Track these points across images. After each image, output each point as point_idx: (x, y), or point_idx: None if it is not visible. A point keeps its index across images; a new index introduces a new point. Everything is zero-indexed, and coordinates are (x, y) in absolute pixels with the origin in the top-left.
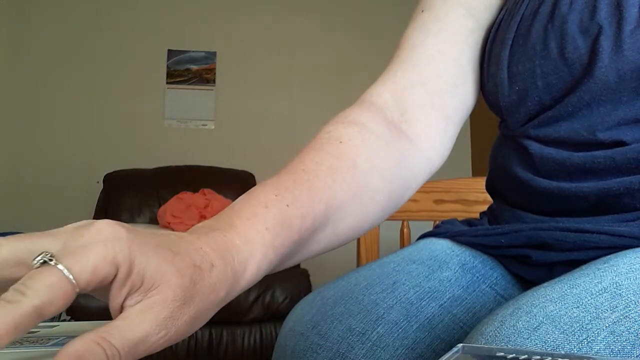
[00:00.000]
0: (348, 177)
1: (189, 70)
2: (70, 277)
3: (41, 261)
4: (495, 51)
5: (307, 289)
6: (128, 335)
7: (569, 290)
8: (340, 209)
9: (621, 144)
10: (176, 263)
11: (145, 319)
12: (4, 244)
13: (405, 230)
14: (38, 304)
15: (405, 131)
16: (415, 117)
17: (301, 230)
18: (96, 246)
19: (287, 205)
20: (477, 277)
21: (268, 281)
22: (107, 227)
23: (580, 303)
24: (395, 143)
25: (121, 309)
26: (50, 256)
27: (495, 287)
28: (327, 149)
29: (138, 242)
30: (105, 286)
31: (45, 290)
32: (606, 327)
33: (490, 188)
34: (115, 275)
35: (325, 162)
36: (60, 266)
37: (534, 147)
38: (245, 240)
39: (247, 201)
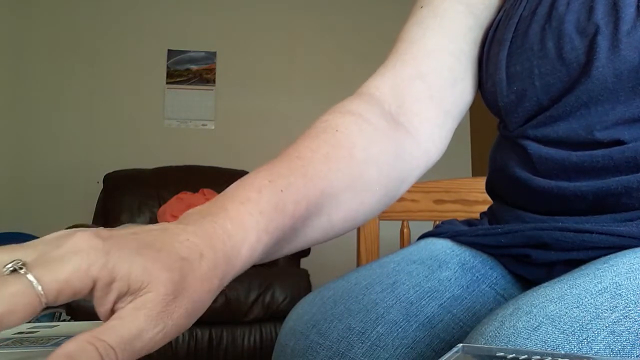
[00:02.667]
0: (344, 166)
1: (189, 70)
2: (39, 287)
3: (11, 269)
4: (493, 51)
5: (307, 289)
6: (122, 332)
7: (568, 290)
8: (335, 197)
9: (619, 143)
10: (162, 259)
11: (138, 316)
12: None
13: (405, 230)
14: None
15: (403, 124)
16: (413, 110)
17: (295, 215)
18: (70, 258)
19: (281, 191)
20: (477, 277)
21: (268, 281)
22: (83, 239)
23: (580, 303)
24: (392, 135)
25: (111, 313)
26: (22, 264)
27: (495, 287)
28: (323, 137)
29: (117, 248)
30: (85, 296)
31: (8, 298)
32: (606, 327)
33: (489, 189)
34: (94, 288)
35: (321, 150)
36: (29, 276)
37: (533, 147)
38: (239, 224)
39: (241, 186)
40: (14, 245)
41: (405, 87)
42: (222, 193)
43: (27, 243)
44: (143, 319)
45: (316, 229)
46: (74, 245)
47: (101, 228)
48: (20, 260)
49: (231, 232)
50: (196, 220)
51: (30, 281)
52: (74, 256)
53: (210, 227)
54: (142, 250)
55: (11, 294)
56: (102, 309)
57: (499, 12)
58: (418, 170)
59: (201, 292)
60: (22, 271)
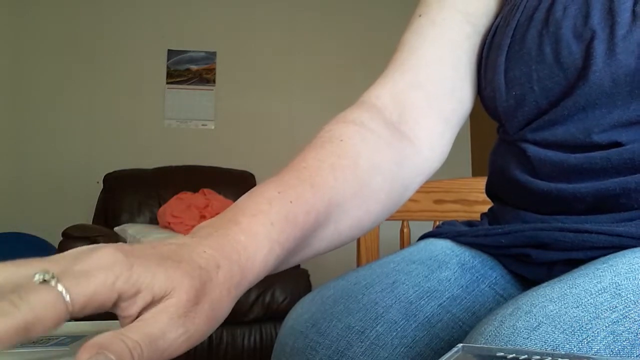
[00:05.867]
0: (350, 175)
1: (189, 70)
2: (67, 298)
3: (41, 279)
4: (491, 57)
5: (307, 289)
6: (146, 330)
7: (568, 290)
8: (342, 206)
9: (617, 145)
10: (183, 268)
11: (161, 317)
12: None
13: (405, 230)
14: (29, 319)
15: (404, 132)
16: (413, 119)
17: (305, 226)
18: (97, 272)
19: (291, 202)
20: (477, 277)
21: (268, 281)
22: (107, 254)
23: (580, 303)
24: (395, 143)
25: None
26: (52, 276)
27: (495, 287)
28: (328, 148)
29: (139, 263)
30: (109, 309)
31: (40, 307)
32: (606, 327)
33: (490, 192)
34: (117, 300)
35: (327, 160)
36: (59, 287)
37: (532, 150)
38: (252, 236)
39: (251, 199)
40: (37, 259)
41: (405, 96)
42: (233, 205)
43: (48, 257)
44: (166, 321)
45: (324, 239)
46: (98, 260)
47: (121, 243)
48: (50, 272)
49: (245, 244)
50: (210, 234)
51: (59, 292)
52: (100, 271)
53: (224, 239)
54: (163, 261)
55: (42, 302)
56: (127, 320)
57: (496, 17)
58: (420, 177)
59: (220, 301)
60: (52, 282)
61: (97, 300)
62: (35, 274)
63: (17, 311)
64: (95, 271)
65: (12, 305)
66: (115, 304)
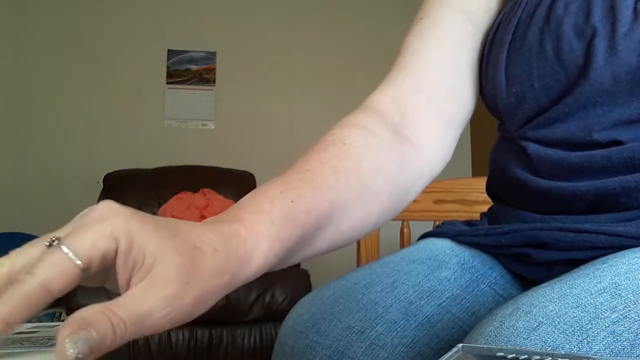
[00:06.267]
0: (352, 177)
1: (189, 70)
2: (70, 253)
3: (47, 245)
4: (493, 54)
5: (307, 289)
6: (133, 308)
7: (568, 290)
8: (343, 208)
9: (617, 143)
10: (176, 243)
11: (150, 296)
12: (11, 256)
13: (405, 230)
14: (43, 280)
15: (407, 135)
16: (415, 122)
17: (306, 225)
18: (95, 224)
19: (292, 201)
20: (477, 277)
21: (268, 281)
22: (107, 207)
23: (580, 303)
24: (397, 146)
25: (128, 287)
26: (55, 239)
27: (494, 287)
28: (331, 150)
29: (137, 220)
30: (111, 266)
31: (48, 267)
32: (606, 327)
33: (490, 190)
34: (117, 251)
35: (329, 162)
36: (63, 247)
37: (532, 148)
38: (252, 232)
39: (254, 198)
40: (49, 233)
41: (407, 100)
42: (236, 204)
43: (67, 225)
44: (154, 300)
45: (325, 239)
46: (98, 214)
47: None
48: (55, 237)
49: (245, 238)
50: (211, 223)
51: (62, 250)
52: (98, 222)
53: (226, 229)
54: (160, 229)
55: (50, 263)
56: (122, 279)
57: (498, 14)
58: (422, 180)
59: (211, 285)
60: (55, 243)
61: (99, 249)
62: (44, 243)
63: (32, 277)
64: (93, 223)
65: (27, 273)
66: (115, 261)
